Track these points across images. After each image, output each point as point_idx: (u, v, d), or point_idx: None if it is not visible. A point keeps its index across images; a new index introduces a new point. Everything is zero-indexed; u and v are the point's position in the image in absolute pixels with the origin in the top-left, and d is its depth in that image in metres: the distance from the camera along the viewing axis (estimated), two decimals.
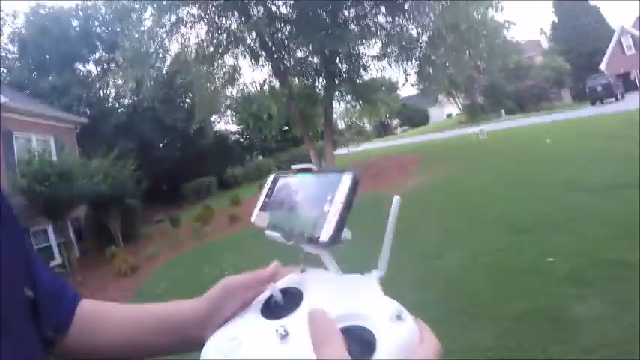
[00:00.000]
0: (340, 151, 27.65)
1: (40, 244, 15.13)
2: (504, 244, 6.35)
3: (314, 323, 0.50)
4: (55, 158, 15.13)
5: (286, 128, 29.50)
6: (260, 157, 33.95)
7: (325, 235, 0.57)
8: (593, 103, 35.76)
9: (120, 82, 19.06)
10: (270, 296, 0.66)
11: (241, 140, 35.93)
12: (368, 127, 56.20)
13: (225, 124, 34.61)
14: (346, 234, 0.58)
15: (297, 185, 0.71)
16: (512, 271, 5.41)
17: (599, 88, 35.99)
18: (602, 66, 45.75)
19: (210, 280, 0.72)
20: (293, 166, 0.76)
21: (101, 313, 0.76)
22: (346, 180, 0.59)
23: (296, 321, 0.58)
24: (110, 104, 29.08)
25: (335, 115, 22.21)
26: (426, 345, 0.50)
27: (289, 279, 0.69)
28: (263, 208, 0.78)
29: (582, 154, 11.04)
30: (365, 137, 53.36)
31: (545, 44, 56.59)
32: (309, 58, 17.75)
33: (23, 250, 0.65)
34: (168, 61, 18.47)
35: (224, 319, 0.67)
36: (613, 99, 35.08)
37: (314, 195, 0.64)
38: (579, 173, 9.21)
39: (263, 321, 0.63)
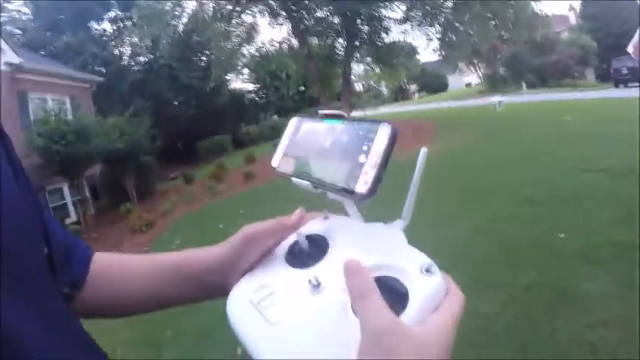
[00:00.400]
0: (356, 113, 27.49)
1: (56, 202, 15.45)
2: (515, 215, 6.37)
3: (351, 275, 0.49)
4: (70, 117, 15.28)
5: (303, 88, 29.33)
6: (275, 117, 33.87)
7: (362, 186, 0.56)
8: (617, 86, 34.87)
9: (136, 40, 18.86)
10: (295, 243, 0.65)
11: (257, 99, 35.64)
12: (385, 90, 55.76)
13: (242, 82, 34.49)
14: None
15: (326, 132, 0.67)
16: (523, 242, 5.45)
17: (624, 71, 35.04)
18: (630, 49, 44.86)
19: (225, 236, 0.69)
20: (320, 111, 0.72)
21: (116, 266, 0.76)
22: (384, 131, 0.57)
23: (326, 270, 0.58)
24: (126, 63, 28.96)
25: (353, 77, 22.01)
26: (452, 297, 0.51)
27: (313, 226, 0.68)
28: (287, 154, 0.74)
29: (601, 135, 10.88)
30: (382, 101, 53.02)
31: (573, 20, 55.42)
32: (330, 18, 17.50)
33: (37, 205, 0.64)
34: (184, 19, 18.28)
35: (246, 267, 0.66)
36: (638, 83, 34.37)
37: (346, 144, 0.62)
38: (597, 154, 9.10)
39: (290, 269, 0.62)
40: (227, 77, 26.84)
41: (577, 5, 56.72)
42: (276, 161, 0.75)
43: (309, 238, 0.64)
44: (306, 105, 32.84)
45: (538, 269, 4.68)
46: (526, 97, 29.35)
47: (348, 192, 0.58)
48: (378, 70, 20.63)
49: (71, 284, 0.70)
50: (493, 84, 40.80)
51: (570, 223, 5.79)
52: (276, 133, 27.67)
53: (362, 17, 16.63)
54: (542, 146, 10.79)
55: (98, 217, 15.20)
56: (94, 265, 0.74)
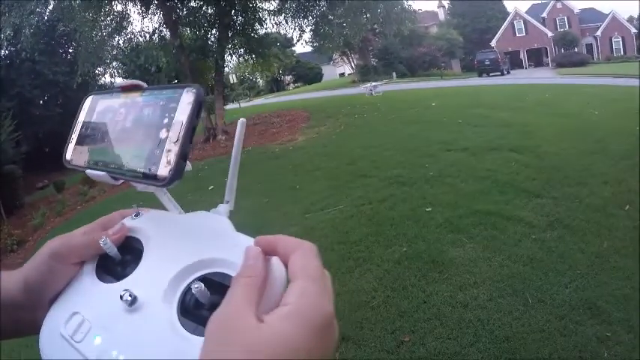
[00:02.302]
0: (231, 106, 27.25)
1: None
2: (386, 196, 6.59)
3: (247, 258, 0.44)
4: None
5: (175, 82, 28.63)
6: None
7: (164, 168, 0.46)
8: (480, 75, 38.23)
9: None
10: (105, 254, 0.53)
11: None
12: (260, 82, 55.71)
13: (111, 77, 32.90)
14: (187, 166, 0.47)
15: (124, 107, 0.56)
16: (393, 219, 5.66)
17: (487, 62, 38.93)
18: (493, 43, 49.90)
19: None
20: (116, 83, 0.59)
21: None
22: (187, 97, 0.48)
23: (141, 279, 0.49)
24: None
25: (227, 69, 21.73)
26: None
27: (125, 227, 0.56)
28: (80, 142, 0.62)
29: (464, 119, 11.62)
30: (257, 92, 52.91)
31: (442, 16, 58.92)
32: (203, 8, 17.14)
33: None
34: (50, 7, 17.05)
35: (57, 291, 0.53)
36: (499, 73, 37.60)
37: (146, 119, 0.52)
38: (459, 135, 9.72)
39: (101, 286, 0.51)
40: (96, 72, 25.45)
41: (446, 3, 60.42)
42: (68, 153, 0.63)
43: (121, 243, 0.54)
44: None
45: (409, 242, 4.90)
46: (396, 85, 30.51)
47: (150, 177, 0.48)
48: (251, 61, 20.48)
49: None
50: (365, 74, 42.07)
51: (435, 197, 6.14)
52: None
53: (236, 8, 16.42)
54: (409, 130, 11.28)
55: None
56: None
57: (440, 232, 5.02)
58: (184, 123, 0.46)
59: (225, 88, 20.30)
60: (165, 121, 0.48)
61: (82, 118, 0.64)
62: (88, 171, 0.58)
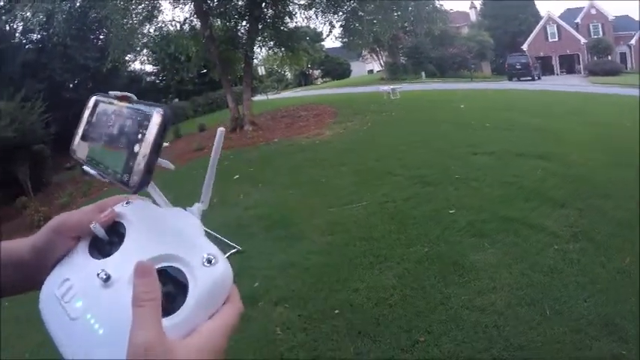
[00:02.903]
0: (259, 98, 27.31)
1: None
2: (410, 195, 6.62)
3: (137, 278, 0.49)
4: None
5: (204, 71, 28.73)
6: (176, 100, 32.97)
7: (134, 178, 0.55)
8: (510, 79, 37.46)
9: (28, 15, 17.48)
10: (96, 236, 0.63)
11: (157, 81, 34.36)
12: (289, 75, 55.74)
13: (141, 64, 33.14)
14: (167, 165, 0.58)
15: (114, 115, 0.64)
16: (416, 219, 5.69)
17: (518, 66, 38.10)
18: (525, 46, 48.71)
19: None
20: (112, 92, 0.68)
21: None
22: (156, 119, 0.55)
23: (118, 261, 0.57)
24: (17, 40, 27.06)
25: (256, 61, 21.81)
26: (230, 307, 0.52)
27: (114, 212, 0.65)
28: (84, 137, 0.71)
29: (492, 122, 11.56)
30: (285, 85, 52.94)
31: (473, 17, 58.24)
32: (234, 0, 17.22)
33: None
34: None
35: (55, 259, 0.63)
36: (530, 78, 36.96)
37: (127, 130, 0.60)
38: (487, 139, 9.66)
39: (90, 261, 0.60)
40: (126, 58, 25.70)
41: (478, 4, 59.71)
42: (74, 145, 0.72)
43: (110, 225, 0.63)
44: (207, 88, 32.21)
45: (430, 243, 4.92)
46: (425, 85, 30.35)
47: (124, 184, 0.57)
48: (280, 54, 20.50)
49: None
50: (394, 72, 41.85)
51: (459, 200, 6.13)
52: (175, 118, 26.99)
53: (267, 1, 16.46)
54: (436, 131, 11.23)
55: None
56: None
57: (462, 236, 5.03)
58: (151, 142, 0.55)
59: (253, 79, 20.34)
60: (139, 136, 0.56)
61: (86, 115, 0.72)
62: (85, 167, 0.68)
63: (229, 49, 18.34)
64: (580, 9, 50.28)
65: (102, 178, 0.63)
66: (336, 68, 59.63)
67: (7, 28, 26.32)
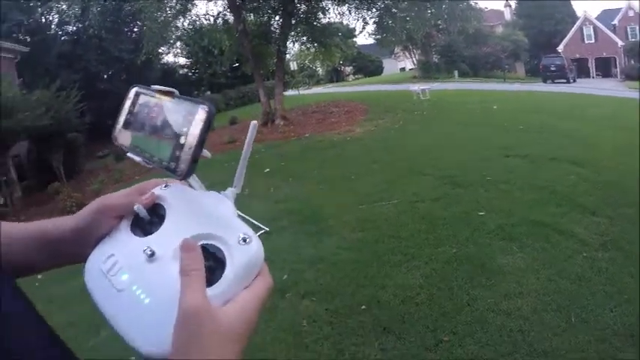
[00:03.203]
0: (290, 93, 27.38)
1: None
2: (440, 195, 6.64)
3: (183, 252, 0.57)
4: None
5: (237, 65, 28.94)
6: (208, 93, 33.24)
7: (181, 167, 0.62)
8: (544, 81, 36.68)
9: (64, 7, 17.78)
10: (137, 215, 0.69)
11: (190, 74, 34.70)
12: (320, 71, 55.69)
13: (174, 56, 33.54)
14: (205, 153, 0.62)
15: (158, 108, 0.70)
16: (445, 219, 5.71)
17: (553, 68, 37.11)
18: (560, 48, 47.41)
19: None
20: (154, 87, 0.73)
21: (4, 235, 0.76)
22: (201, 114, 0.61)
23: (160, 239, 0.63)
24: (53, 32, 27.48)
25: (288, 56, 21.88)
26: (262, 280, 0.59)
27: (155, 195, 0.71)
28: (126, 126, 0.76)
29: (525, 125, 11.47)
30: (316, 81, 52.93)
31: (508, 16, 57.23)
32: None
33: None
34: None
35: (99, 236, 0.69)
36: (564, 81, 36.15)
37: (172, 123, 0.66)
38: (519, 141, 9.62)
39: (133, 238, 0.66)
40: (159, 51, 26.01)
41: (513, 2, 58.77)
42: (116, 132, 0.77)
43: (151, 207, 0.69)
44: (239, 82, 32.42)
45: (459, 245, 4.94)
46: (458, 84, 30.11)
47: (171, 170, 0.64)
48: (313, 49, 20.54)
49: None
50: (426, 70, 41.58)
51: (490, 202, 6.12)
52: None
53: None
54: (468, 132, 11.20)
55: (26, 199, 14.18)
56: None
57: (491, 238, 5.04)
58: (197, 135, 0.61)
59: (285, 74, 20.42)
60: (185, 129, 0.62)
61: (127, 105, 0.77)
62: (129, 154, 0.73)
63: (262, 44, 18.44)
64: (617, 10, 48.44)
65: (146, 164, 0.70)
66: (367, 65, 59.37)
67: (43, 20, 26.80)
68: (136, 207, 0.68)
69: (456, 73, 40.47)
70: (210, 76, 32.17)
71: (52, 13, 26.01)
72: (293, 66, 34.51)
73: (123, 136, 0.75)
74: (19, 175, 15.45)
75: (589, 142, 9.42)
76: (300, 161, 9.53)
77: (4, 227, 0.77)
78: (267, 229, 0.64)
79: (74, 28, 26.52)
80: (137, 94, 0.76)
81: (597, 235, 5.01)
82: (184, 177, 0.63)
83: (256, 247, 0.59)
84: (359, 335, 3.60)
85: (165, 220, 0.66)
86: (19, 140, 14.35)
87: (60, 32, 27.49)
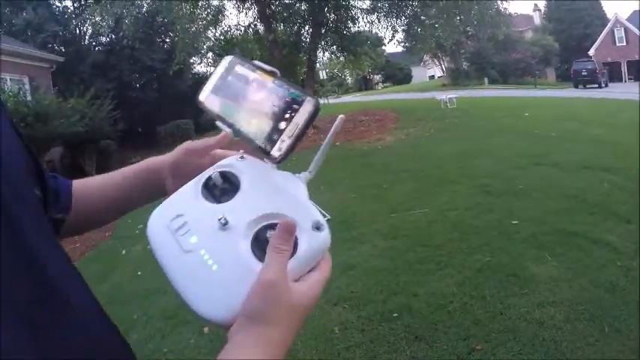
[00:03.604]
0: (320, 101, 27.41)
1: None
2: (472, 204, 6.62)
3: (281, 231, 0.59)
4: (29, 98, 14.67)
5: None
6: None
7: (277, 151, 0.65)
8: (576, 87, 36.10)
9: (98, 19, 18.27)
10: (210, 177, 0.70)
11: None
12: (349, 79, 55.80)
13: (206, 66, 33.94)
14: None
15: (256, 84, 0.71)
16: (478, 228, 5.70)
17: (584, 72, 36.40)
18: (591, 52, 46.61)
19: None
20: (257, 62, 0.75)
21: (87, 188, 0.93)
22: (308, 106, 0.64)
23: (234, 209, 0.64)
24: (87, 42, 28.07)
25: (317, 65, 22.04)
26: (326, 262, 0.65)
27: (229, 163, 0.72)
28: (215, 91, 0.77)
29: (557, 132, 11.36)
30: (345, 90, 53.03)
31: (537, 20, 56.59)
32: (297, 5, 17.45)
33: (32, 155, 0.76)
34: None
35: (182, 174, 0.78)
36: (596, 85, 35.56)
37: (272, 105, 0.67)
38: (551, 149, 9.53)
39: (204, 203, 0.67)
40: (191, 61, 26.41)
41: (542, 6, 58.01)
42: (203, 95, 0.79)
43: (223, 174, 0.70)
44: None
45: (491, 253, 4.94)
46: (487, 92, 29.88)
47: (264, 152, 0.66)
48: (342, 58, 20.63)
49: (62, 210, 0.85)
50: (456, 78, 41.34)
51: (522, 212, 6.09)
52: None
53: (329, 5, 16.62)
54: (499, 139, 11.14)
55: None
56: (74, 191, 0.90)
57: (524, 247, 5.02)
58: (300, 125, 0.64)
59: (315, 83, 20.56)
60: (287, 116, 0.65)
61: (220, 71, 0.80)
62: (218, 122, 0.75)
63: (292, 53, 18.62)
64: None
65: (232, 137, 0.72)
66: (396, 73, 59.34)
67: (77, 31, 27.41)
68: (213, 174, 0.70)
69: (486, 80, 40.17)
70: None
71: (86, 25, 26.68)
72: (322, 75, 34.70)
73: (211, 101, 0.78)
74: None
75: (621, 148, 9.27)
76: (332, 170, 9.58)
77: (87, 183, 0.95)
78: (329, 216, 0.66)
79: (107, 39, 27.09)
80: (233, 64, 0.78)
81: (631, 243, 4.94)
82: (278, 162, 0.66)
83: (326, 235, 0.63)
84: (390, 343, 3.63)
85: (239, 192, 0.67)
86: (53, 146, 14.70)
87: (94, 43, 28.08)
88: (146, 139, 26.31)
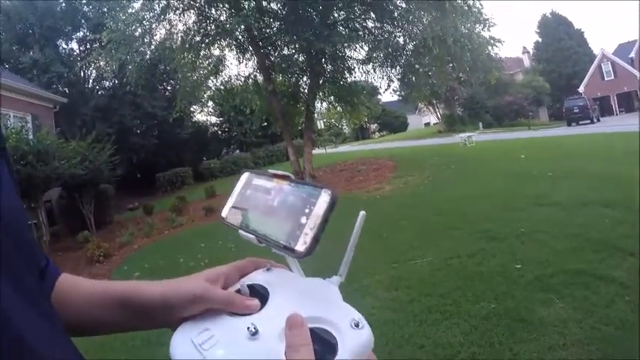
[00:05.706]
0: (317, 151, 27.64)
1: None
2: (475, 250, 6.56)
3: (292, 328, 0.56)
4: (31, 136, 14.80)
5: (265, 124, 29.54)
6: (237, 151, 33.85)
7: (301, 246, 0.62)
8: (569, 124, 36.76)
9: (102, 63, 18.62)
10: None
11: (220, 133, 35.61)
12: (346, 129, 56.32)
13: (206, 115, 34.42)
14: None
15: (274, 190, 0.72)
16: (482, 274, 5.64)
17: (576, 110, 37.25)
18: (581, 89, 47.60)
19: (185, 269, 0.79)
20: (270, 170, 0.77)
21: (71, 289, 0.78)
22: (325, 197, 0.63)
23: (264, 319, 0.63)
24: (90, 85, 28.58)
25: (315, 115, 22.34)
26: None
27: (256, 276, 0.73)
28: (236, 206, 0.79)
29: (554, 171, 11.38)
30: (342, 139, 53.47)
31: (527, 62, 57.77)
32: (296, 56, 17.76)
33: (22, 203, 0.70)
34: (153, 47, 18.33)
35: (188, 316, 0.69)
36: (589, 121, 36.13)
37: (291, 205, 0.67)
38: (550, 189, 9.54)
39: (231, 316, 0.65)
40: (191, 109, 26.77)
41: (530, 48, 59.22)
42: (225, 212, 0.81)
43: (250, 287, 0.70)
44: (268, 141, 33.05)
45: (497, 299, 4.87)
46: (483, 136, 30.16)
47: (289, 250, 0.64)
48: (340, 108, 20.87)
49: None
50: (451, 124, 41.84)
51: (526, 254, 6.05)
52: (237, 168, 27.63)
53: (326, 56, 16.94)
54: (498, 183, 11.18)
55: (54, 244, 14.44)
56: (59, 284, 0.78)
57: (530, 290, 4.95)
58: (320, 216, 0.63)
59: (313, 133, 20.77)
60: (307, 210, 0.64)
61: (239, 187, 0.81)
62: (240, 231, 0.75)
63: (291, 104, 18.88)
64: (633, 42, 48.47)
65: (258, 243, 0.70)
66: (393, 122, 60.10)
67: (82, 74, 27.89)
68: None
69: (480, 124, 40.60)
70: (241, 134, 32.91)
71: (90, 68, 27.21)
72: (320, 125, 35.04)
73: (233, 216, 0.78)
74: (48, 220, 16.03)
75: (619, 181, 9.29)
76: (331, 220, 9.58)
77: (72, 283, 0.79)
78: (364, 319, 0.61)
79: (111, 83, 27.60)
80: (250, 178, 0.80)
81: (638, 276, 4.89)
82: (303, 256, 0.63)
83: (368, 331, 0.59)
84: None
85: (269, 302, 0.66)
86: (52, 186, 14.80)
87: (97, 87, 28.61)
88: (144, 185, 26.44)
